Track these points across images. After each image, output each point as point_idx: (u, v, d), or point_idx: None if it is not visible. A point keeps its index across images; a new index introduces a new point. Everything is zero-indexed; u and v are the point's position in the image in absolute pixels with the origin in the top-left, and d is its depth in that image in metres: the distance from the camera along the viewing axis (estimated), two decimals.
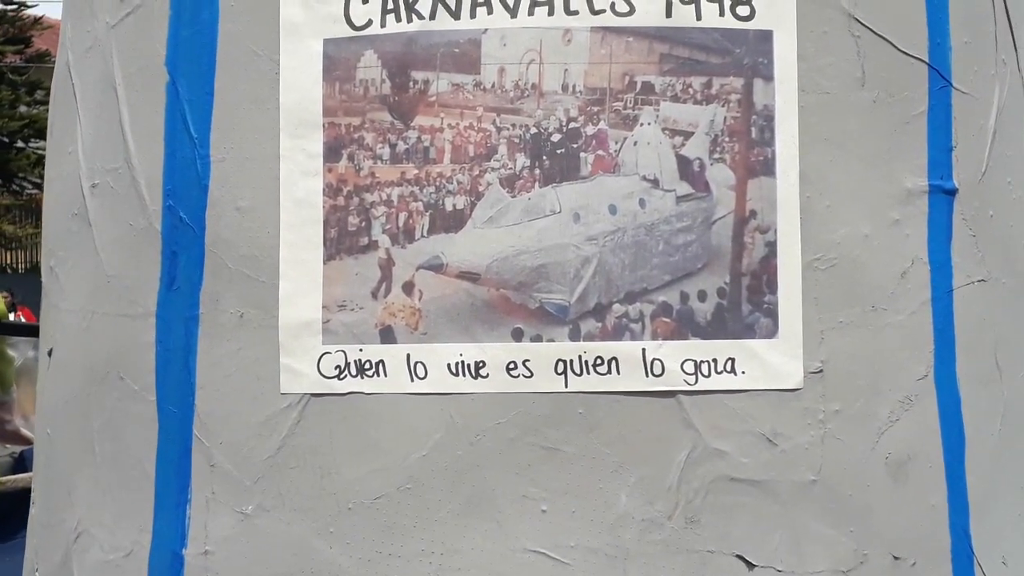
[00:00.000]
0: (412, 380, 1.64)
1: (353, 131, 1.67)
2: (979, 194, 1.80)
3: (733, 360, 1.64)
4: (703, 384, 1.64)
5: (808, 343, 1.66)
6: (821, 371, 1.66)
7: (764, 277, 1.65)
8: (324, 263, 1.66)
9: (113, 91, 1.82)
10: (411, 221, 1.65)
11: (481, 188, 1.64)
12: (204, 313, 1.72)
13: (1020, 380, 1.87)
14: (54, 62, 2.08)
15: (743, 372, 1.64)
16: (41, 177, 2.14)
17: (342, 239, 1.66)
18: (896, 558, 1.68)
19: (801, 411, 1.65)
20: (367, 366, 1.65)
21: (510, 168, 1.64)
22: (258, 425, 1.69)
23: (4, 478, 3.58)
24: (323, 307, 1.66)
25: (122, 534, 1.78)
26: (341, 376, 1.66)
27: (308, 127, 1.67)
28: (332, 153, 1.67)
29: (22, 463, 4.14)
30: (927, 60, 1.73)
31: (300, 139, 1.67)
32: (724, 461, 1.64)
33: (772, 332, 1.65)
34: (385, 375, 1.64)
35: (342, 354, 1.65)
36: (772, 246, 1.65)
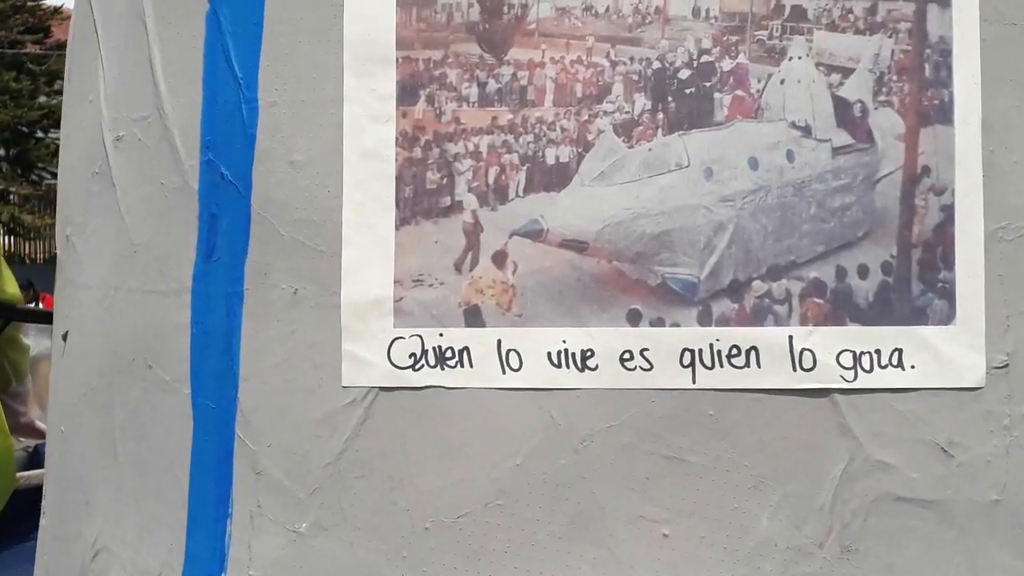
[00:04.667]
0: (504, 372, 1.35)
1: (433, 67, 1.38)
2: None
3: (900, 351, 1.33)
4: (863, 381, 1.34)
5: (992, 331, 1.37)
6: (1007, 365, 1.36)
7: (939, 249, 1.35)
8: (397, 228, 1.38)
9: (142, 24, 1.53)
10: (504, 177, 1.37)
11: (591, 136, 1.36)
12: (250, 289, 1.45)
13: None
14: None
15: (912, 367, 1.34)
16: None
17: (419, 199, 1.37)
18: None
19: (983, 415, 1.35)
20: (449, 354, 1.36)
21: (627, 112, 1.35)
22: (315, 424, 1.40)
23: (19, 474, 3.31)
24: (395, 282, 1.38)
25: (148, 553, 1.49)
26: (417, 366, 1.36)
27: (379, 63, 1.38)
28: (408, 94, 1.38)
29: (37, 458, 3.88)
30: None
31: (369, 77, 1.38)
32: (889, 476, 1.34)
33: (948, 317, 1.34)
34: (471, 365, 1.35)
35: (418, 339, 1.36)
36: (949, 210, 1.34)
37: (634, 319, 1.35)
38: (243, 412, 1.44)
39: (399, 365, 1.38)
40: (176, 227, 1.51)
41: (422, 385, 1.37)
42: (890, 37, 1.36)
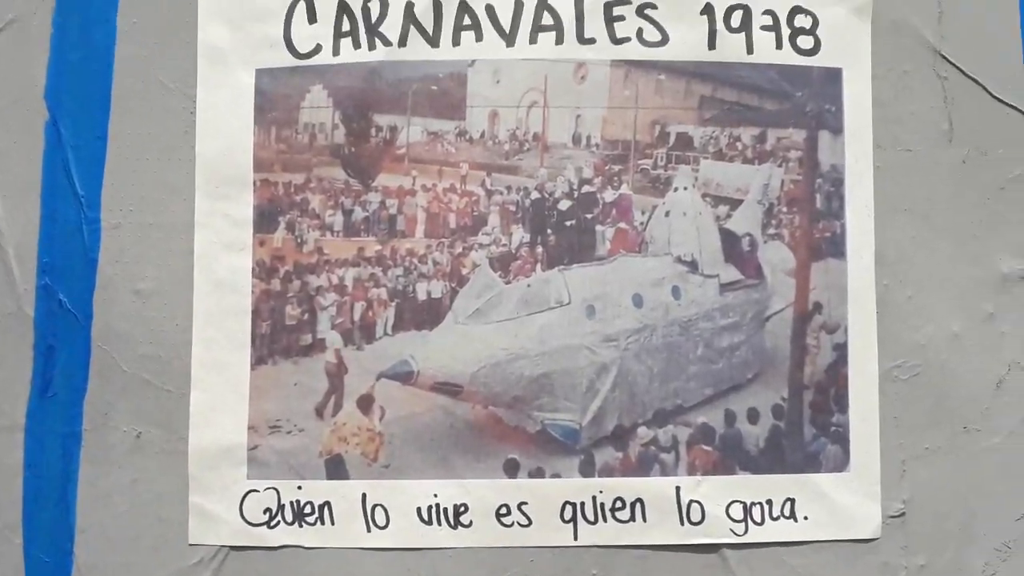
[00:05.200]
0: (369, 530, 1.24)
1: (294, 192, 1.27)
2: None
3: (793, 501, 1.26)
4: (754, 534, 1.26)
5: (887, 477, 1.30)
6: (903, 514, 1.29)
7: (832, 390, 1.28)
8: (252, 368, 1.27)
9: None
10: (371, 313, 1.27)
11: (465, 270, 1.27)
12: (89, 430, 1.33)
13: None
14: None
15: (805, 517, 1.26)
16: None
17: (277, 336, 1.26)
18: None
19: (879, 567, 1.28)
20: (308, 510, 1.24)
21: (504, 244, 1.26)
22: None
23: None
24: (250, 428, 1.27)
25: None
26: (272, 523, 1.25)
27: (234, 185, 1.27)
28: (266, 220, 1.27)
29: None
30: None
31: (223, 201, 1.26)
32: None
33: (842, 464, 1.27)
34: (332, 522, 1.24)
35: (274, 493, 1.24)
36: (842, 349, 1.28)
37: (512, 470, 1.25)
38: (79, 568, 1.31)
39: (252, 522, 1.25)
40: (9, 358, 1.36)
41: (278, 544, 1.26)
42: (780, 166, 1.29)
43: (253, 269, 1.28)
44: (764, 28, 1.28)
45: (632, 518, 1.25)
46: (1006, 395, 1.37)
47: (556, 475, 1.25)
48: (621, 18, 1.26)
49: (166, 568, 1.27)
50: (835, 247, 1.30)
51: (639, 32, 1.26)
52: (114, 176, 1.34)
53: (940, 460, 1.33)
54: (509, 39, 1.26)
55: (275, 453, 1.26)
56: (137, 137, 1.33)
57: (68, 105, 1.35)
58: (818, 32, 1.30)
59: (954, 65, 1.36)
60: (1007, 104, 1.38)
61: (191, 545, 1.27)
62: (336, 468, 1.26)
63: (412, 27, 1.26)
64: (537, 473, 1.25)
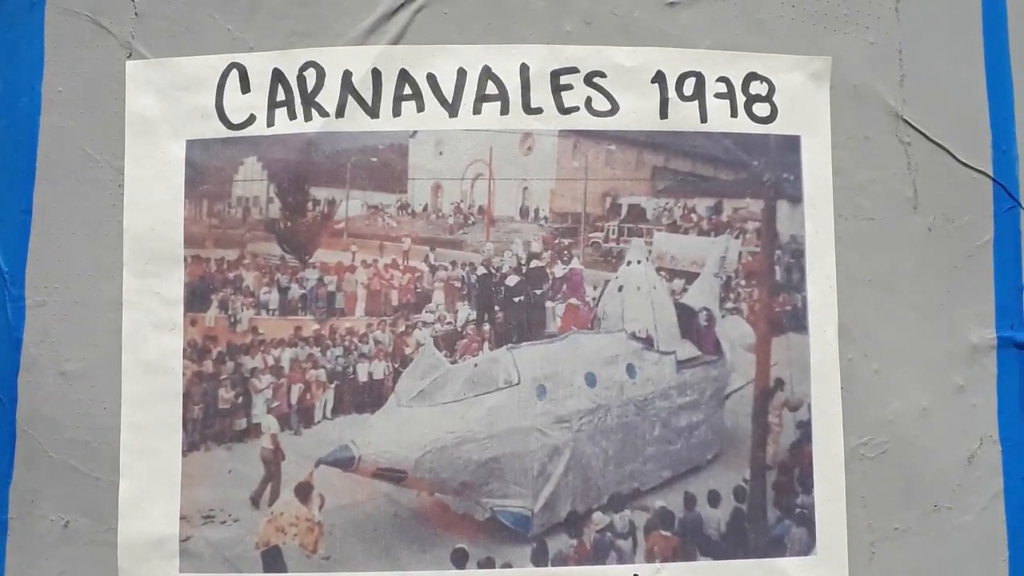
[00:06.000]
0: None
1: (228, 268, 1.22)
2: None
3: None
4: None
5: (856, 560, 1.25)
6: None
7: (796, 470, 1.23)
8: (184, 455, 1.22)
9: None
10: (309, 396, 1.23)
11: (408, 350, 1.22)
12: (15, 518, 1.28)
13: None
14: None
15: None
16: None
17: (210, 421, 1.21)
18: None
19: None
20: None
21: (449, 322, 1.22)
22: None
23: None
24: (182, 518, 1.23)
25: None
26: None
27: (164, 262, 1.21)
28: (197, 299, 1.22)
29: None
30: (991, 174, 1.33)
31: (152, 278, 1.22)
32: None
33: (808, 547, 1.22)
34: None
35: None
36: (806, 427, 1.23)
37: (460, 560, 1.19)
38: None
39: None
40: None
41: None
42: (737, 238, 1.25)
43: (184, 350, 1.22)
44: (718, 96, 1.24)
45: None
46: (977, 470, 1.33)
47: (507, 565, 1.19)
48: (569, 87, 1.21)
49: None
50: (796, 321, 1.25)
51: (588, 101, 1.22)
52: (39, 252, 1.28)
53: (910, 540, 1.28)
54: (452, 109, 1.21)
55: (209, 545, 1.20)
56: (63, 211, 1.27)
57: None
58: (775, 99, 1.25)
59: (917, 130, 1.32)
60: (973, 168, 1.35)
61: None
62: (273, 561, 1.19)
63: (350, 97, 1.21)
64: (487, 563, 1.19)
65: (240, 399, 1.22)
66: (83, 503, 1.25)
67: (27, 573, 1.26)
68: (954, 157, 1.34)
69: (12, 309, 1.28)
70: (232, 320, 1.22)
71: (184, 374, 1.22)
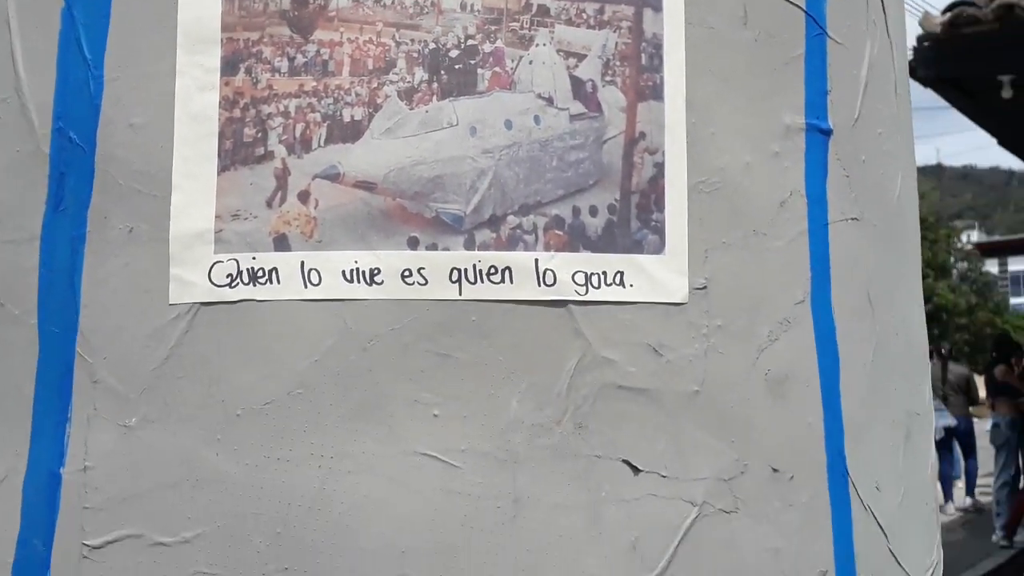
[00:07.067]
0: (306, 287, 1.63)
1: (251, 45, 1.68)
2: (852, 139, 1.91)
3: (622, 273, 1.68)
4: (593, 295, 1.67)
5: (693, 260, 1.71)
6: (705, 287, 1.72)
7: (652, 196, 1.71)
8: (218, 174, 1.65)
9: (6, 25, 1.79)
10: (308, 132, 1.66)
11: (379, 100, 1.66)
12: (92, 231, 1.67)
13: (889, 319, 1.97)
14: None
15: (631, 285, 1.68)
16: None
17: (237, 150, 1.66)
18: (775, 470, 1.73)
19: (686, 324, 1.71)
20: (260, 273, 1.64)
21: (408, 81, 1.67)
22: (145, 338, 1.65)
23: None
24: (216, 217, 1.64)
25: None
26: (233, 284, 1.64)
27: (206, 43, 1.68)
28: (229, 67, 1.67)
29: None
30: (803, 7, 1.84)
31: (198, 55, 1.67)
32: (612, 369, 1.67)
33: (659, 248, 1.70)
34: (278, 282, 1.63)
35: (234, 262, 1.64)
36: (660, 167, 1.71)
37: (413, 244, 1.66)
38: (83, 333, 1.67)
39: (218, 284, 1.65)
40: (29, 186, 1.73)
41: (237, 299, 1.64)
42: (615, 32, 1.74)
43: (220, 103, 1.69)
44: None
45: (503, 280, 1.66)
46: (787, 212, 1.81)
47: (446, 248, 1.65)
48: None
49: (152, 324, 1.64)
50: (656, 92, 1.74)
51: None
52: (114, 43, 1.66)
53: (734, 252, 1.76)
54: None
55: (235, 234, 1.66)
56: (132, 13, 1.69)
57: None
58: None
59: None
60: (789, 1, 1.86)
61: (171, 304, 1.66)
62: (281, 243, 1.66)
63: None
64: (432, 247, 1.65)
65: (259, 135, 1.68)
66: (144, 214, 1.63)
67: (100, 268, 1.67)
68: None
69: (94, 84, 1.68)
70: (254, 81, 1.69)
71: (219, 119, 1.69)
